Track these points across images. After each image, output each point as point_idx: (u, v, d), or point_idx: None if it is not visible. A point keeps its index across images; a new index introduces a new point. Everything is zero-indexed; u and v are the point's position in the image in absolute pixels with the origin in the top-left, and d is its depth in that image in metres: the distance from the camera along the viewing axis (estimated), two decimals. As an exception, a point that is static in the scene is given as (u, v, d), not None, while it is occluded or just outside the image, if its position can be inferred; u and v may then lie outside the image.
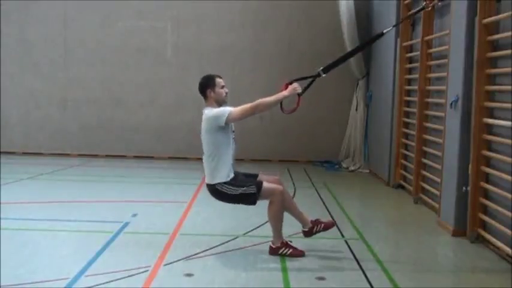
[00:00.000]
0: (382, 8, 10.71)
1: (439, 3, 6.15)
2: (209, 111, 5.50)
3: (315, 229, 5.76)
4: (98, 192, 8.84)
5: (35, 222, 6.74)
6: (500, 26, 6.07)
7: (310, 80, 5.74)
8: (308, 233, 5.78)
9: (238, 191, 5.48)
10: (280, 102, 5.57)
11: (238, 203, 5.61)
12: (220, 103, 5.57)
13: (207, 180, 5.60)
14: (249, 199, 5.51)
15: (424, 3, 6.19)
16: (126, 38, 12.71)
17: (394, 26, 6.57)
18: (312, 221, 5.79)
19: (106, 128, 12.83)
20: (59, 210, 7.45)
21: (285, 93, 5.52)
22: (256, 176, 5.73)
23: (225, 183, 5.49)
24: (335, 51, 12.23)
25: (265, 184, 5.52)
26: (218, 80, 5.62)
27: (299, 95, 5.59)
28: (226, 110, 5.45)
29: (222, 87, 5.61)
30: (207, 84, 5.60)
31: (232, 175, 5.54)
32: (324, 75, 5.69)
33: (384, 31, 6.00)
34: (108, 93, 12.82)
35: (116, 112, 12.84)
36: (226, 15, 12.63)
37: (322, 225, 5.79)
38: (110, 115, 12.84)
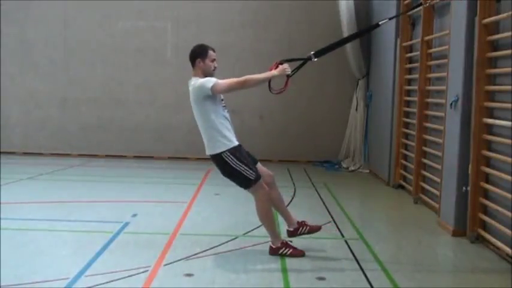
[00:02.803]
0: (382, 8, 10.70)
1: (439, 1, 6.15)
2: (195, 81, 5.47)
3: (300, 230, 5.79)
4: (98, 192, 8.83)
5: (35, 222, 6.74)
6: (500, 26, 6.07)
7: (301, 62, 5.72)
8: (293, 233, 5.80)
9: (240, 167, 5.40)
10: (269, 81, 5.55)
11: (232, 178, 5.52)
12: (206, 75, 5.52)
13: (207, 152, 5.54)
14: (244, 182, 5.46)
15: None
16: (126, 38, 12.71)
17: (390, 19, 6.58)
18: (298, 222, 5.80)
19: (106, 128, 12.84)
20: (59, 210, 7.44)
21: (274, 72, 5.49)
22: (256, 162, 5.67)
23: (230, 152, 5.41)
24: (335, 52, 12.22)
25: (261, 181, 5.50)
26: (211, 52, 5.60)
27: (288, 76, 5.57)
28: (212, 79, 5.42)
29: (213, 60, 5.59)
30: (198, 53, 5.57)
31: (236, 143, 5.48)
32: (315, 60, 5.68)
33: (380, 22, 5.97)
34: (108, 93, 12.82)
35: (116, 112, 12.84)
36: (226, 15, 12.63)
37: (308, 227, 5.81)
38: (110, 115, 12.84)
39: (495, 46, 6.16)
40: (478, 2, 6.18)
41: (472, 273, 5.42)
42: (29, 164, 11.59)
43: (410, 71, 9.36)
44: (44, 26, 12.75)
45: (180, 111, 12.68)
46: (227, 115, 5.57)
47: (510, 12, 5.61)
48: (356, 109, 12.04)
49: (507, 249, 5.53)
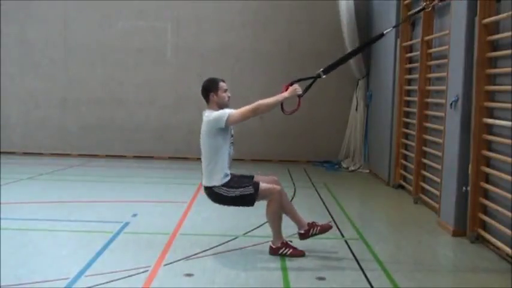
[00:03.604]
0: (382, 8, 10.71)
1: (440, 3, 6.14)
2: (210, 114, 5.51)
3: (311, 232, 5.76)
4: (98, 192, 8.83)
5: (35, 222, 6.74)
6: (500, 26, 6.08)
7: (310, 81, 5.75)
8: (304, 235, 5.76)
9: (235, 193, 5.47)
10: (281, 103, 5.58)
11: (236, 204, 5.60)
12: (222, 107, 5.57)
13: (204, 183, 5.61)
14: (247, 200, 5.50)
15: (425, 3, 6.18)
16: (126, 38, 12.71)
17: (394, 27, 6.59)
18: (308, 224, 5.78)
19: (106, 128, 12.83)
20: (59, 210, 7.44)
21: (285, 94, 5.53)
22: (252, 177, 5.72)
23: (222, 185, 5.49)
24: (335, 51, 12.26)
25: (262, 184, 5.52)
26: (221, 83, 5.63)
27: (299, 96, 5.60)
28: (226, 112, 5.46)
29: (225, 91, 5.62)
30: (210, 88, 5.61)
31: (228, 178, 5.55)
32: (324, 77, 5.70)
33: (385, 32, 6.00)
34: (108, 93, 12.81)
35: (116, 112, 12.84)
36: (226, 15, 12.63)
37: (319, 227, 5.78)
38: (110, 115, 12.84)
39: (495, 46, 6.16)
40: (478, 2, 6.18)
41: (472, 273, 5.43)
42: (29, 164, 11.59)
43: (410, 71, 9.36)
44: (44, 26, 12.74)
45: (180, 111, 12.71)
46: (231, 152, 5.62)
47: (510, 12, 5.61)
48: (356, 109, 12.04)
49: (507, 249, 5.53)
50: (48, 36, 12.77)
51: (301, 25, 12.55)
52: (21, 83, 12.84)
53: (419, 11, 6.99)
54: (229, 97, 5.64)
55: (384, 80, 10.42)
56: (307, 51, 12.39)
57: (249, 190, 5.46)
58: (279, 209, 5.56)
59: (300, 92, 5.57)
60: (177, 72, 12.67)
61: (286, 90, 5.55)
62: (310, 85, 5.73)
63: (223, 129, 5.45)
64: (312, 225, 5.77)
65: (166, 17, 12.71)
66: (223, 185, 5.49)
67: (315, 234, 5.76)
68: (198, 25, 12.65)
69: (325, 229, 5.80)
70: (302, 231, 5.77)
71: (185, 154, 12.56)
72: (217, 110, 5.53)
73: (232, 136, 5.64)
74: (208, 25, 12.64)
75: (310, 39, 12.42)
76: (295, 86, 5.56)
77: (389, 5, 9.96)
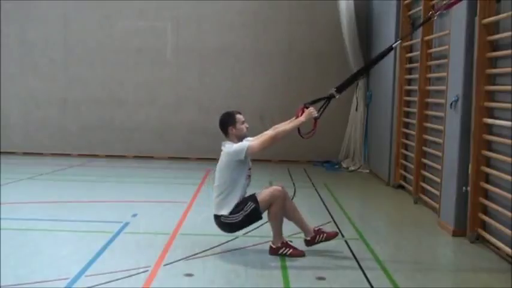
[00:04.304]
0: (382, 8, 10.71)
1: (445, 11, 6.16)
2: (230, 146, 5.54)
3: (317, 239, 5.75)
4: (98, 192, 8.84)
5: (35, 222, 6.74)
6: (500, 26, 6.08)
7: (325, 101, 5.80)
8: (310, 242, 5.76)
9: (241, 215, 5.49)
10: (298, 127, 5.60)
11: (248, 224, 5.61)
12: (241, 138, 5.61)
13: (214, 211, 5.63)
14: (254, 215, 5.51)
15: (430, 12, 6.18)
16: (126, 38, 12.71)
17: (401, 40, 6.60)
18: (314, 230, 5.79)
19: (106, 128, 12.83)
20: (59, 210, 7.44)
21: (302, 119, 5.61)
22: (253, 195, 5.66)
23: (228, 214, 5.51)
24: (335, 51, 12.36)
25: (259, 194, 5.54)
26: (238, 116, 5.66)
27: (316, 118, 5.62)
28: (245, 144, 5.50)
29: (243, 122, 5.65)
30: (228, 122, 5.63)
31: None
32: (337, 96, 5.73)
33: (393, 45, 6.05)
34: (108, 93, 12.81)
35: (116, 112, 12.84)
36: (226, 15, 12.63)
37: (325, 234, 5.78)
38: (110, 115, 12.84)
39: (495, 46, 6.16)
40: (478, 2, 6.18)
41: (472, 273, 5.43)
42: (29, 164, 11.59)
43: (410, 71, 9.36)
44: (44, 26, 12.74)
45: (180, 111, 12.71)
46: (247, 183, 5.63)
47: (510, 12, 5.61)
48: (356, 109, 12.04)
49: (507, 249, 5.53)
50: (48, 36, 12.77)
51: (301, 25, 12.54)
52: (21, 83, 12.84)
53: (425, 21, 6.98)
54: (247, 128, 5.66)
55: (384, 80, 10.42)
56: (307, 51, 12.38)
57: (251, 206, 5.48)
58: (281, 209, 5.56)
59: (316, 115, 5.61)
60: (177, 72, 12.67)
61: (302, 113, 5.61)
62: (326, 106, 5.78)
63: (242, 161, 5.48)
64: (318, 232, 5.78)
65: (166, 17, 12.70)
66: (230, 213, 5.51)
67: (321, 241, 5.77)
68: (198, 25, 12.65)
69: (331, 236, 5.81)
70: (308, 238, 5.76)
71: (185, 154, 12.57)
72: (236, 142, 5.57)
73: (249, 169, 5.65)
74: (208, 25, 12.64)
75: (310, 39, 12.41)
76: (311, 109, 5.64)
77: (390, 5, 9.96)
